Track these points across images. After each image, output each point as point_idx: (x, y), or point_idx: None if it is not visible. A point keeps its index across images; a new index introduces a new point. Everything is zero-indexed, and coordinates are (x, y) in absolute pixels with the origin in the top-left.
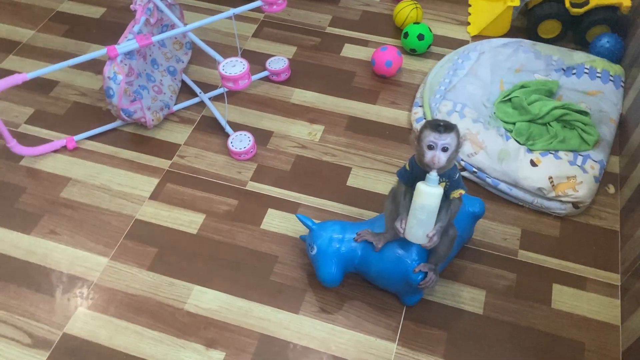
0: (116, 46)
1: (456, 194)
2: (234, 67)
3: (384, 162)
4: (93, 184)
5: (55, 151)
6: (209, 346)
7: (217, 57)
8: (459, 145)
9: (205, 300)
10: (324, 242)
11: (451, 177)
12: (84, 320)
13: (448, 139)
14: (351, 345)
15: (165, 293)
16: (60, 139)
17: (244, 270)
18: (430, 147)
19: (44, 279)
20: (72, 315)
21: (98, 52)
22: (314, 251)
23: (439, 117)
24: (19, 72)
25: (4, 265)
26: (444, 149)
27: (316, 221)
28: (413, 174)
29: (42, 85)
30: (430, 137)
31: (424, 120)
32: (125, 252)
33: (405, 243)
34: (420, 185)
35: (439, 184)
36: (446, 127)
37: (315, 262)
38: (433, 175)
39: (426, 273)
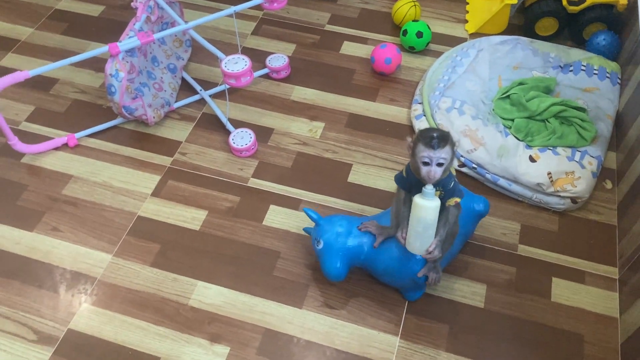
0: (118, 43)
1: (452, 202)
2: (236, 64)
3: (385, 159)
4: (95, 181)
5: (57, 148)
6: (213, 341)
7: (219, 54)
8: (454, 154)
9: (209, 295)
10: (331, 237)
11: (445, 186)
12: (89, 316)
13: (443, 154)
14: (354, 339)
15: (169, 289)
16: (61, 137)
17: (247, 266)
18: (425, 164)
19: (47, 276)
20: (77, 311)
21: (100, 49)
22: (321, 245)
23: (438, 114)
24: (19, 70)
25: (7, 262)
26: (439, 164)
27: (322, 216)
28: (410, 181)
29: (42, 83)
30: (425, 153)
31: (423, 118)
32: (128, 248)
33: None
34: (416, 200)
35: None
36: (440, 141)
37: (321, 257)
38: (429, 188)
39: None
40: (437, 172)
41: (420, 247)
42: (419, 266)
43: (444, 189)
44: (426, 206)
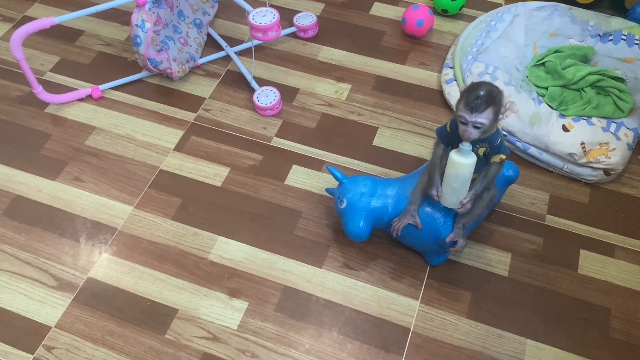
0: None
1: (496, 158)
2: (264, 17)
3: (412, 123)
4: (118, 134)
5: (81, 100)
6: (232, 295)
7: (247, 6)
8: (497, 116)
9: (229, 251)
10: (354, 196)
11: (492, 143)
12: (108, 265)
13: (480, 118)
14: (374, 301)
15: (189, 242)
16: (85, 88)
17: (268, 223)
18: (463, 123)
19: (69, 225)
20: (97, 260)
21: None
22: (344, 204)
23: (470, 79)
24: None
25: (29, 210)
26: (476, 127)
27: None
28: (452, 135)
29: (67, 34)
30: (462, 113)
31: (454, 83)
32: (150, 201)
33: (436, 203)
34: (452, 156)
35: (479, 149)
36: (481, 104)
37: (344, 216)
38: (466, 145)
39: (455, 241)
40: (472, 133)
41: (456, 201)
42: (446, 231)
43: (490, 145)
44: (462, 163)
